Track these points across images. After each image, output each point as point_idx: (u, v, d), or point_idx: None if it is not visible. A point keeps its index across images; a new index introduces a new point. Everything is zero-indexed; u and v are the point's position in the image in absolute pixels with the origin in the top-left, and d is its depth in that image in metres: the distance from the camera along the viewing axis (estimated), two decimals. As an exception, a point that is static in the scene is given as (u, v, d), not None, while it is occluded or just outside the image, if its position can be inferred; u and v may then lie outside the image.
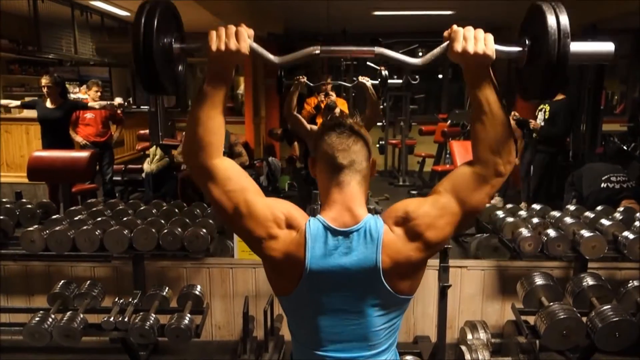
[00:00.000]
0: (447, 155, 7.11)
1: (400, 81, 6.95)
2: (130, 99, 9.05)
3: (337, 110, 3.89)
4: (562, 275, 3.02)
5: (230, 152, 4.90)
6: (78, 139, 5.43)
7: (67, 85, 7.75)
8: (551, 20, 1.06)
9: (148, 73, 1.11)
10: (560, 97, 4.89)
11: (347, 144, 1.21)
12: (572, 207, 3.29)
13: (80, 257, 2.97)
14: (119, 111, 5.56)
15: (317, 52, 1.14)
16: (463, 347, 2.69)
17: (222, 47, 1.11)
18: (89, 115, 5.50)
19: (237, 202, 1.19)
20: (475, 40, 1.11)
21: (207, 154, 1.18)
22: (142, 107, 8.10)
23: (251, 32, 1.14)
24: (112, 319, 2.52)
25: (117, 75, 9.02)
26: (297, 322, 1.28)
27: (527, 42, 1.14)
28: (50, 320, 2.55)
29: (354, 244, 1.16)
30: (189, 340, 2.54)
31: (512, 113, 5.41)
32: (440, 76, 10.05)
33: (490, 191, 1.19)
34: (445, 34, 1.15)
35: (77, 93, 7.87)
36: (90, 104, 5.31)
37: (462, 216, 1.19)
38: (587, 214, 3.08)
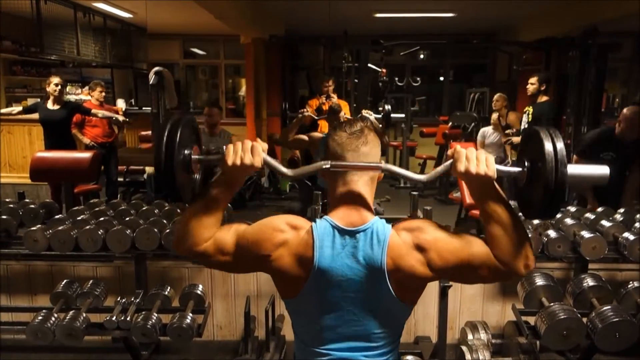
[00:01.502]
0: (448, 157, 7.11)
1: (403, 115, 7.07)
2: (133, 101, 9.08)
3: (342, 114, 3.92)
4: (562, 276, 3.03)
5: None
6: (85, 140, 5.45)
7: (70, 87, 7.82)
8: (548, 146, 1.11)
9: (168, 183, 1.18)
10: (544, 98, 4.87)
11: (357, 145, 1.24)
12: (572, 209, 3.30)
13: (82, 256, 2.98)
14: (120, 118, 5.57)
15: (327, 166, 1.21)
16: (464, 348, 2.70)
17: (238, 162, 1.17)
18: (94, 110, 5.51)
19: (234, 248, 1.23)
20: (477, 162, 1.14)
21: (197, 243, 1.23)
22: (144, 108, 8.14)
23: (265, 146, 1.20)
24: (114, 318, 2.53)
25: (120, 76, 9.04)
26: (301, 322, 1.29)
27: (526, 163, 1.19)
28: (52, 319, 2.56)
29: (360, 244, 1.18)
30: (191, 339, 2.55)
31: (507, 139, 5.40)
32: (441, 78, 10.06)
33: (501, 281, 1.23)
34: (449, 153, 1.20)
35: (79, 94, 7.92)
36: (94, 111, 5.31)
37: (469, 270, 1.21)
38: (588, 215, 3.08)
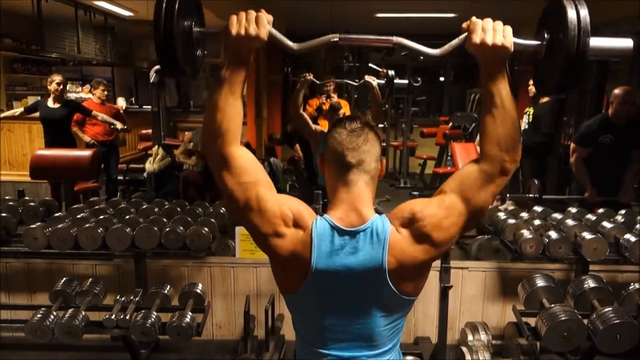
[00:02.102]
0: (449, 158, 7.12)
1: (406, 81, 6.94)
2: (133, 99, 9.08)
3: (342, 112, 3.90)
4: (563, 277, 3.02)
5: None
6: (86, 138, 5.44)
7: (70, 85, 7.81)
8: (572, 14, 1.06)
9: (168, 54, 1.11)
10: (545, 99, 4.86)
11: (357, 143, 1.21)
12: (573, 210, 3.29)
13: (82, 254, 2.97)
14: (119, 126, 5.55)
15: (336, 39, 1.14)
16: (464, 348, 2.69)
17: (242, 32, 1.12)
18: (95, 111, 5.51)
19: (249, 194, 1.18)
20: (494, 32, 1.11)
21: (225, 141, 1.18)
22: (144, 106, 8.14)
23: (270, 17, 1.15)
24: (113, 316, 2.53)
25: (120, 74, 9.04)
26: (301, 320, 1.28)
27: (545, 35, 1.14)
28: (52, 317, 2.55)
29: (360, 244, 1.16)
30: (190, 338, 2.54)
31: None
32: (442, 78, 10.06)
33: (495, 190, 1.19)
34: (464, 25, 1.16)
35: (79, 92, 7.91)
36: (94, 113, 5.30)
37: (467, 216, 1.19)
38: (589, 216, 3.08)
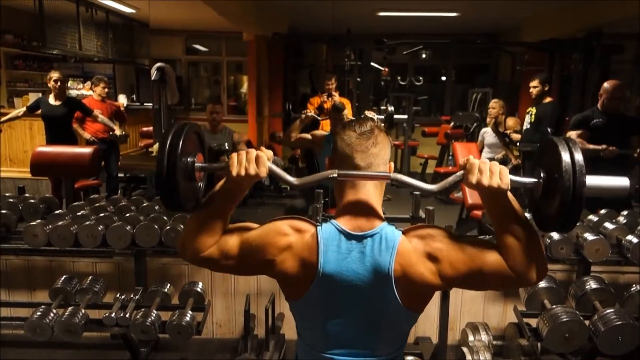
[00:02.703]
0: (450, 157, 7.11)
1: (405, 117, 7.01)
2: (134, 96, 9.07)
3: (345, 112, 3.90)
4: (565, 278, 3.01)
5: (233, 151, 4.89)
6: (86, 135, 5.43)
7: (72, 82, 7.80)
8: (566, 157, 1.07)
9: (170, 192, 1.15)
10: (547, 99, 4.84)
11: (366, 146, 1.21)
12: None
13: (82, 252, 2.97)
14: (117, 132, 5.54)
15: (335, 175, 1.16)
16: (464, 349, 2.69)
17: (242, 173, 1.14)
18: (96, 112, 5.51)
19: (240, 255, 1.22)
20: (490, 174, 1.11)
21: (201, 250, 1.22)
22: (145, 104, 8.13)
23: (270, 154, 1.17)
24: (113, 314, 2.52)
25: (121, 72, 9.02)
26: (305, 324, 1.28)
27: (542, 174, 1.15)
28: (51, 315, 2.55)
29: (367, 250, 1.15)
30: (190, 337, 2.53)
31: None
32: (444, 78, 10.04)
33: (513, 288, 1.21)
34: (461, 162, 1.16)
35: (81, 89, 7.90)
36: (95, 113, 5.29)
37: (474, 279, 1.18)
38: (591, 217, 3.07)
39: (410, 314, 1.20)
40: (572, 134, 3.90)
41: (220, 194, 1.21)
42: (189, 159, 1.18)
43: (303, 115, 3.79)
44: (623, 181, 1.15)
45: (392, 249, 1.14)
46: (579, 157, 1.07)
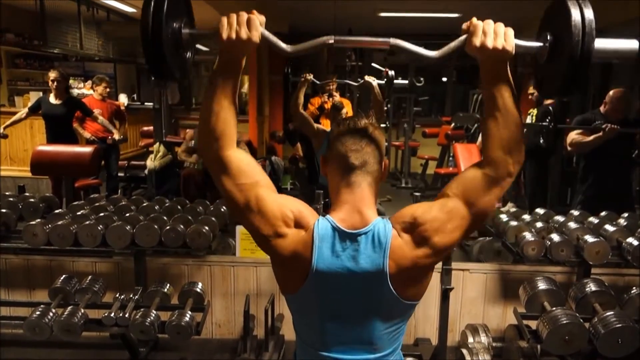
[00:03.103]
0: (450, 158, 7.11)
1: (406, 82, 6.93)
2: (135, 96, 9.07)
3: (344, 112, 3.90)
4: (565, 280, 3.00)
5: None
6: (86, 134, 5.43)
7: (72, 81, 7.80)
8: (576, 15, 1.03)
9: (156, 57, 1.08)
10: (548, 100, 4.83)
11: (361, 145, 1.20)
12: (576, 212, 3.28)
13: (82, 252, 2.96)
14: (116, 137, 5.55)
15: (331, 41, 1.11)
16: (464, 350, 2.68)
17: (233, 36, 1.09)
18: (96, 111, 5.51)
19: (248, 196, 1.17)
20: (494, 35, 1.08)
21: (220, 145, 1.17)
22: (146, 103, 8.14)
23: (262, 18, 1.12)
24: (112, 314, 2.52)
25: (122, 71, 9.03)
26: (302, 322, 1.27)
27: (548, 37, 1.11)
28: (50, 314, 2.54)
29: (361, 247, 1.15)
30: (190, 337, 2.53)
31: None
32: (444, 79, 10.04)
33: (499, 193, 1.18)
34: (464, 26, 1.13)
35: (82, 88, 7.90)
36: (96, 114, 5.30)
37: (470, 220, 1.18)
38: (591, 219, 3.06)
39: (408, 304, 1.20)
40: (573, 134, 3.90)
41: (217, 71, 1.15)
42: (175, 24, 1.11)
43: (302, 79, 3.77)
44: (632, 43, 1.10)
45: (385, 245, 1.14)
46: (590, 16, 1.02)
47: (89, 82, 8.16)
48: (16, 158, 6.40)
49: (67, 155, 3.82)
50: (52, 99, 4.95)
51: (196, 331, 2.54)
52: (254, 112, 7.93)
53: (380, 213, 1.24)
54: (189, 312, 2.57)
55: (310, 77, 3.80)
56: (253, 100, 7.96)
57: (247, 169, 1.19)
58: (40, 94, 6.35)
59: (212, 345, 3.17)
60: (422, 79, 7.95)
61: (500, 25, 1.09)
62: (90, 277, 2.78)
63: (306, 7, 7.15)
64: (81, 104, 5.24)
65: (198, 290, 2.77)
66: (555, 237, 2.70)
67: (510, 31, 1.09)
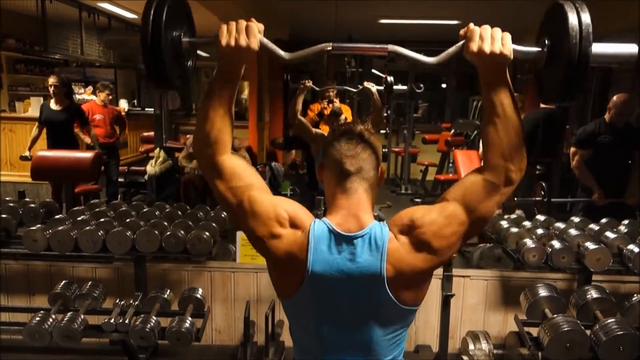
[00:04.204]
0: (450, 165, 7.11)
1: (405, 87, 6.94)
2: (135, 101, 9.09)
3: (343, 117, 3.90)
4: (565, 287, 3.00)
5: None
6: (87, 140, 5.44)
7: (73, 86, 7.81)
8: (573, 19, 1.03)
9: (156, 66, 1.09)
10: (547, 107, 4.83)
11: (356, 151, 1.20)
12: (576, 219, 3.28)
13: (82, 257, 2.96)
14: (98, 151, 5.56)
15: (329, 48, 1.12)
16: (465, 357, 2.68)
17: (232, 43, 1.11)
18: (98, 116, 5.53)
19: (242, 198, 1.19)
20: (492, 40, 1.08)
21: (215, 150, 1.19)
22: (146, 109, 8.15)
23: (261, 26, 1.14)
24: (112, 320, 2.51)
25: (123, 76, 9.04)
26: (299, 328, 1.26)
27: (546, 42, 1.11)
28: (50, 320, 2.54)
29: (358, 251, 1.14)
30: (190, 343, 2.52)
31: None
32: (444, 85, 10.06)
33: (499, 200, 1.17)
34: (462, 32, 1.13)
35: (82, 94, 7.92)
36: (89, 127, 5.32)
37: (469, 225, 1.17)
38: (592, 226, 3.06)
39: (407, 309, 1.18)
40: (576, 152, 3.89)
41: (216, 78, 1.16)
42: (174, 33, 1.12)
43: (301, 86, 3.77)
44: (631, 48, 1.10)
45: (382, 248, 1.13)
46: (586, 20, 1.02)
47: (90, 87, 8.19)
48: (16, 163, 6.39)
49: (67, 161, 3.83)
50: (53, 105, 4.95)
51: (196, 337, 2.54)
52: (254, 118, 7.93)
53: (379, 219, 1.24)
54: (189, 318, 2.56)
55: (309, 83, 3.80)
56: (253, 106, 7.97)
57: (240, 172, 1.20)
58: (41, 99, 6.36)
59: (212, 352, 3.16)
60: (422, 85, 7.97)
61: (498, 30, 1.09)
62: (90, 282, 2.77)
63: (307, 14, 7.17)
64: (80, 111, 5.22)
65: (198, 296, 2.77)
66: (556, 243, 2.70)
67: (508, 36, 1.09)
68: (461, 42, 1.12)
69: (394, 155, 8.29)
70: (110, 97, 5.72)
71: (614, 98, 3.83)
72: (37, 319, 2.53)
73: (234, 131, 1.24)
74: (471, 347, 2.81)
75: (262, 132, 8.06)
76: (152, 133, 6.09)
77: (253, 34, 1.11)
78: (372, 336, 1.19)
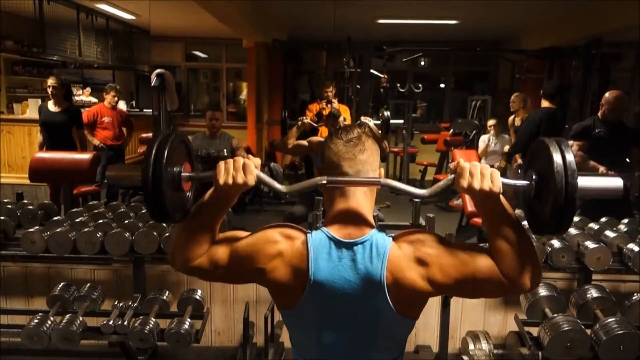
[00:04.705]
0: (449, 165, 7.11)
1: (402, 122, 7.02)
2: (133, 102, 9.08)
3: (341, 119, 3.90)
4: (566, 286, 3.00)
5: (232, 157, 4.88)
6: (95, 141, 5.44)
7: (71, 87, 7.80)
8: (557, 158, 1.06)
9: (157, 203, 1.12)
10: (547, 105, 4.82)
11: (354, 153, 1.20)
12: (576, 218, 3.27)
13: (80, 259, 2.95)
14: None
15: (324, 182, 1.15)
16: (465, 358, 2.67)
17: (230, 182, 1.13)
18: (106, 119, 5.52)
19: (230, 264, 1.20)
20: (481, 177, 1.09)
21: (191, 259, 1.20)
22: (145, 110, 8.14)
23: (258, 162, 1.15)
24: (111, 322, 2.50)
25: (121, 78, 9.04)
26: (299, 336, 1.26)
27: (533, 176, 1.14)
28: (49, 322, 2.53)
29: (358, 257, 1.14)
30: (189, 345, 2.52)
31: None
32: (443, 85, 10.06)
33: (505, 294, 1.21)
34: (451, 166, 1.14)
35: (80, 95, 7.91)
36: (88, 132, 5.33)
37: (461, 292, 1.19)
38: (592, 225, 3.06)
39: (405, 320, 1.18)
40: (572, 144, 3.90)
41: (209, 204, 1.19)
42: (175, 169, 1.16)
43: (299, 123, 3.79)
44: (616, 182, 1.13)
45: (383, 255, 1.13)
46: (570, 158, 1.05)
47: (88, 89, 8.18)
48: (15, 165, 6.39)
49: (65, 162, 3.81)
50: (51, 107, 4.93)
51: (195, 339, 2.53)
52: (253, 119, 7.94)
53: (378, 220, 1.23)
54: (188, 320, 2.56)
55: (308, 120, 3.85)
56: (252, 106, 7.98)
57: (219, 257, 1.21)
58: (39, 101, 6.35)
59: (211, 353, 3.15)
60: (420, 85, 7.98)
61: (487, 167, 1.10)
62: (88, 284, 2.77)
63: (305, 14, 7.17)
64: (78, 114, 5.17)
65: (197, 297, 2.76)
66: (556, 243, 2.70)
67: (496, 173, 1.10)
68: (451, 176, 1.14)
69: (392, 155, 8.28)
70: (116, 98, 5.71)
71: (607, 95, 3.84)
72: (36, 321, 2.52)
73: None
74: (471, 347, 2.81)
75: (260, 133, 8.06)
76: (150, 134, 6.08)
77: (250, 171, 1.13)
78: (373, 345, 1.19)
